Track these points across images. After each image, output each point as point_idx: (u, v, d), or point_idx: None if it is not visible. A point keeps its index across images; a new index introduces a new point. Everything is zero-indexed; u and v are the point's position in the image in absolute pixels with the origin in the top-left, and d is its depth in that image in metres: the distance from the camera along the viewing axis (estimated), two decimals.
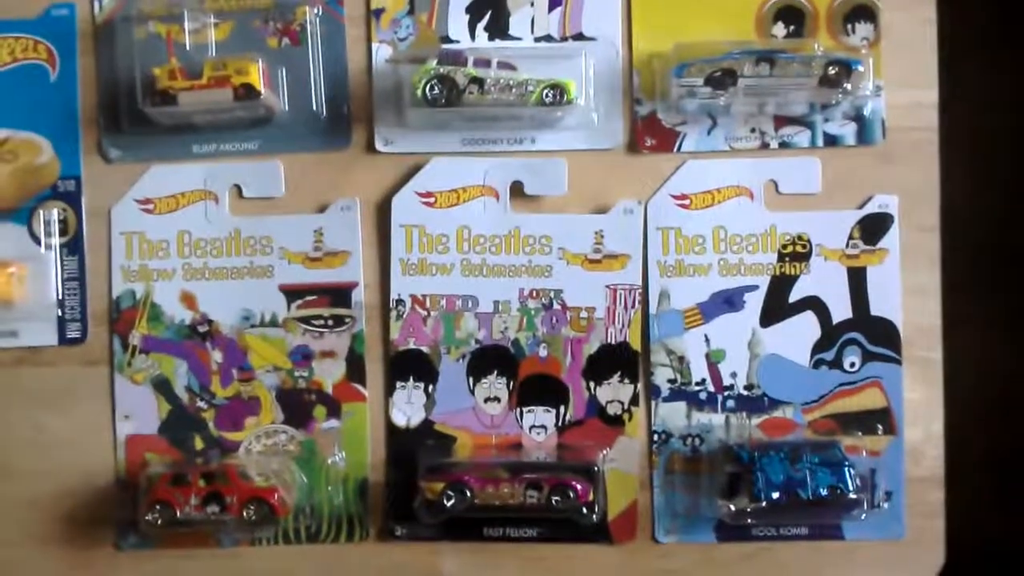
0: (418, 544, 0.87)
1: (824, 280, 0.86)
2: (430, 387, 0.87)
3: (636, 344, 0.87)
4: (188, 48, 0.87)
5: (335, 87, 0.88)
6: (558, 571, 0.87)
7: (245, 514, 0.82)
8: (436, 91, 0.83)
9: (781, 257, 0.87)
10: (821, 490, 0.81)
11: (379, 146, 0.87)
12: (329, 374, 0.87)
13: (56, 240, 0.88)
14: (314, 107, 0.88)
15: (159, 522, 0.83)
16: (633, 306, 0.87)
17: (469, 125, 0.87)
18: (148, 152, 0.88)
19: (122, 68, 0.88)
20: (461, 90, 0.83)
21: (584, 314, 0.87)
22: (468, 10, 0.88)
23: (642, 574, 0.87)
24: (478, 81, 0.83)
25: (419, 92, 0.83)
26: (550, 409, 0.87)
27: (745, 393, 0.86)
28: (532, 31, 0.88)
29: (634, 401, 0.87)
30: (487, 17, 0.87)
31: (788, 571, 0.87)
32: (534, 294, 0.87)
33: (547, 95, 0.83)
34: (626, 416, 0.87)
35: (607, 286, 0.87)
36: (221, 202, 0.88)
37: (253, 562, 0.88)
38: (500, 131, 0.87)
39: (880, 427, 0.86)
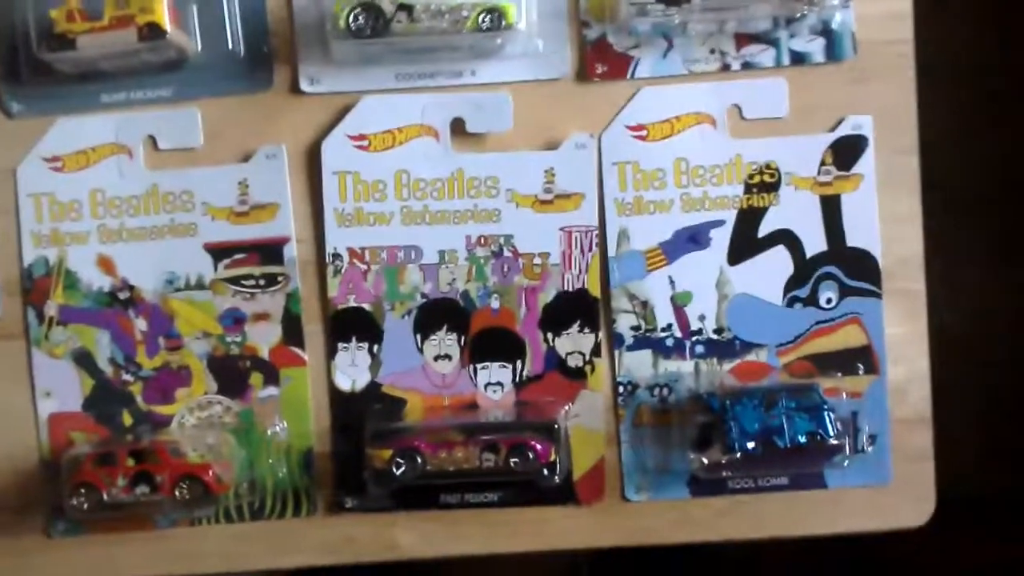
0: (371, 516, 0.82)
1: (795, 211, 0.81)
2: (375, 347, 0.82)
3: (595, 290, 0.82)
4: None
5: (253, 22, 0.81)
6: (525, 536, 0.83)
7: (178, 494, 0.78)
8: (360, 21, 0.77)
9: (748, 188, 0.81)
10: (799, 437, 0.77)
11: (304, 86, 0.81)
12: (264, 338, 0.82)
13: None
14: (230, 46, 0.81)
15: (85, 506, 0.78)
16: (590, 249, 0.81)
17: (402, 58, 0.80)
18: (53, 104, 0.82)
19: (19, 11, 0.81)
20: (388, 19, 0.77)
21: (537, 260, 0.82)
22: None
23: (614, 535, 0.83)
24: (406, 8, 0.77)
25: (342, 23, 0.77)
26: (506, 364, 0.82)
27: (715, 337, 0.82)
28: None
29: (596, 352, 0.82)
30: None
31: (769, 524, 0.83)
32: (482, 241, 0.82)
33: (483, 20, 0.77)
34: (588, 368, 0.82)
35: (561, 228, 0.82)
36: (135, 156, 0.82)
37: (194, 544, 0.83)
38: (437, 63, 0.81)
39: (861, 366, 0.82)
